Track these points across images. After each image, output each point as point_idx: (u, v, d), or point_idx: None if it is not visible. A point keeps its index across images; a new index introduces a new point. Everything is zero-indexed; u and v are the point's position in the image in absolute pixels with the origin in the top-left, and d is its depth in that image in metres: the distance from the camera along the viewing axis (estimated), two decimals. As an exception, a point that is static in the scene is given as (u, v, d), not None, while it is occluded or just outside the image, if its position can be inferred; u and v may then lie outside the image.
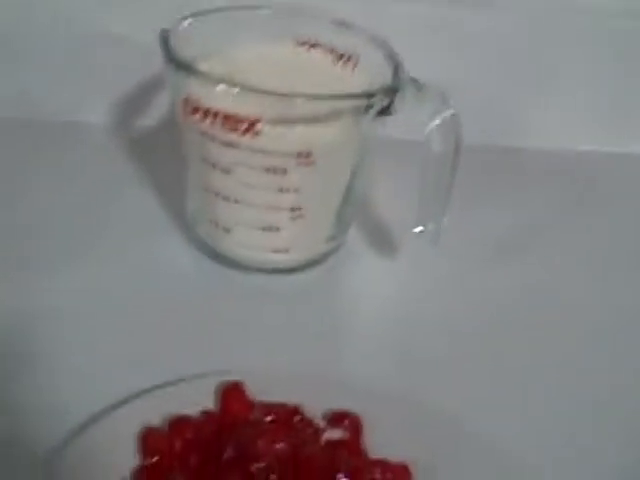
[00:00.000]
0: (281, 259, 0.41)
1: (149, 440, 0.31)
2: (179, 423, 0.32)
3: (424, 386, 0.36)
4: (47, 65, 0.51)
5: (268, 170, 0.38)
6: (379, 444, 0.32)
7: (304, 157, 0.37)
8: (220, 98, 0.37)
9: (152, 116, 0.52)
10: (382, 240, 0.45)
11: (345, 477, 0.30)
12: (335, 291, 0.43)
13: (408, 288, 0.43)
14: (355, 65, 0.42)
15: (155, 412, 0.33)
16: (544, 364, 0.39)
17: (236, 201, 0.39)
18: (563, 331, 0.41)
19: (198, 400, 0.33)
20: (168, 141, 0.42)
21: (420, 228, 0.40)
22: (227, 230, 0.41)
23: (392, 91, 0.38)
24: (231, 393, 0.33)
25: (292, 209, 0.39)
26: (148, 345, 0.37)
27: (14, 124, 0.50)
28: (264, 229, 0.40)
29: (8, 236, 0.43)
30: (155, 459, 0.31)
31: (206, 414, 0.33)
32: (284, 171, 0.38)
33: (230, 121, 0.37)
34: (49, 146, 0.50)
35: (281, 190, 0.39)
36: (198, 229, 0.43)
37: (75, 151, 0.50)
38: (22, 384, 0.35)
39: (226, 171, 0.38)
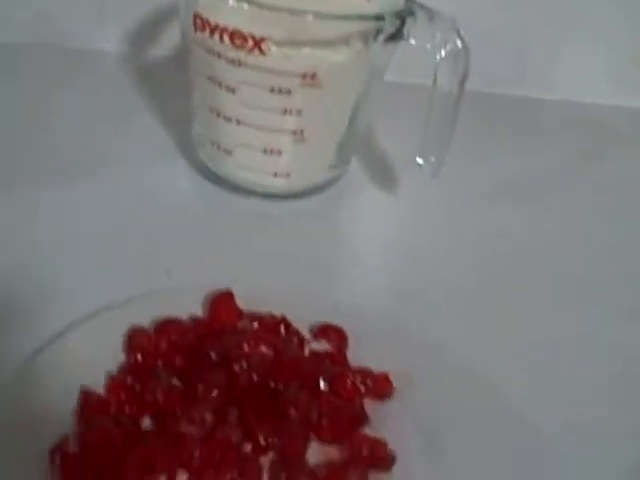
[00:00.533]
0: (281, 184, 0.41)
1: (134, 339, 0.32)
2: (165, 325, 0.32)
3: (411, 309, 0.36)
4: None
5: (272, 90, 0.38)
6: (362, 358, 0.32)
7: (309, 78, 0.37)
8: (229, 14, 0.37)
9: (164, 46, 0.53)
10: (384, 174, 0.45)
11: (327, 382, 0.31)
12: (333, 219, 0.43)
13: (405, 221, 0.43)
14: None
15: (145, 316, 0.33)
16: (533, 301, 0.39)
17: (238, 122, 0.39)
18: (555, 271, 0.41)
19: (188, 308, 0.34)
20: (179, 71, 0.43)
21: (421, 160, 0.40)
22: (228, 152, 0.41)
23: (402, 15, 0.37)
24: (221, 300, 0.33)
25: (294, 132, 0.39)
26: (145, 258, 0.38)
27: (33, 50, 0.51)
28: (265, 152, 0.40)
29: (21, 153, 0.43)
30: (139, 357, 0.31)
31: (194, 320, 0.33)
32: (288, 92, 0.38)
33: (237, 38, 0.37)
34: (65, 71, 0.51)
35: (284, 112, 0.38)
36: (201, 152, 0.43)
37: (89, 77, 0.51)
38: (21, 284, 0.35)
39: (231, 90, 0.38)
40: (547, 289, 0.40)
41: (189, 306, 0.34)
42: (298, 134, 0.39)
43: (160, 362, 0.31)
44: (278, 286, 0.35)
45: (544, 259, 0.42)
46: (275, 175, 0.41)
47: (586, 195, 0.47)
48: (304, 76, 0.37)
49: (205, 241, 0.40)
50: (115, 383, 0.30)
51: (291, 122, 0.39)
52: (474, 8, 0.48)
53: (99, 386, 0.30)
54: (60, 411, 0.29)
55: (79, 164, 0.43)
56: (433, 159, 0.40)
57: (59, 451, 0.27)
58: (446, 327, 0.35)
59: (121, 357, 0.32)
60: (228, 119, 0.40)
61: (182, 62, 0.42)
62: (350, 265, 0.41)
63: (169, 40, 0.51)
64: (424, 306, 0.37)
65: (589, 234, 0.44)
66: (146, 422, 0.30)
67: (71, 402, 0.29)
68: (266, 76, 0.37)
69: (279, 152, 0.40)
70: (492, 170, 0.47)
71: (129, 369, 0.31)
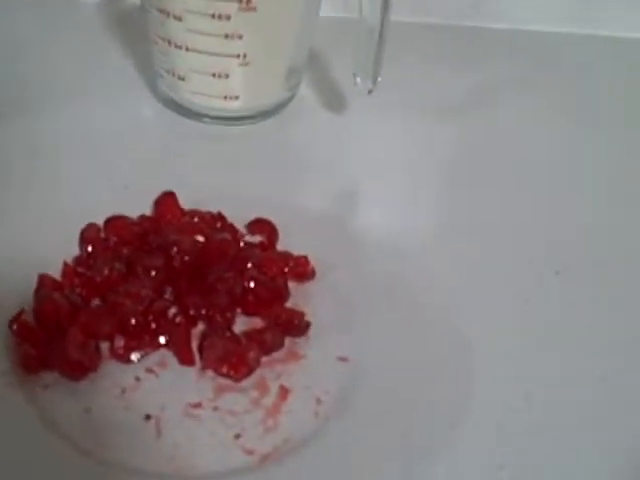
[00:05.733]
0: (232, 106, 0.45)
1: (86, 233, 0.36)
2: (114, 220, 0.36)
3: (347, 209, 0.41)
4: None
5: (214, 16, 0.41)
6: (290, 248, 0.36)
7: (245, 3, 0.41)
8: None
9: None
10: (332, 97, 0.48)
11: (254, 265, 0.35)
12: (283, 139, 0.46)
13: (351, 139, 0.46)
14: None
15: (100, 216, 0.37)
16: (476, 212, 0.42)
17: (187, 48, 0.43)
18: (496, 184, 0.44)
19: (139, 210, 0.38)
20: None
21: (357, 79, 0.43)
22: (182, 78, 0.45)
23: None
24: (164, 199, 0.37)
25: (239, 56, 0.43)
26: (110, 177, 0.42)
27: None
28: (214, 76, 0.44)
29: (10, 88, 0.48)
30: (90, 248, 0.35)
31: (141, 217, 0.37)
32: (228, 17, 0.41)
33: (178, -33, 0.41)
34: (46, 20, 0.55)
35: (227, 36, 0.42)
36: (160, 82, 0.47)
37: (67, 24, 0.55)
38: None
39: (178, 18, 0.42)
40: (488, 201, 0.42)
41: (139, 209, 0.38)
42: (242, 57, 0.43)
43: (109, 253, 0.35)
44: (220, 187, 0.39)
45: (481, 167, 0.45)
46: (225, 98, 0.45)
47: (532, 108, 0.50)
48: (240, 1, 0.41)
49: (162, 161, 0.44)
50: (68, 269, 0.34)
51: (234, 46, 0.43)
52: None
53: (57, 274, 0.35)
54: (22, 293, 0.34)
55: (57, 95, 0.48)
56: (367, 75, 0.43)
57: (16, 321, 0.32)
58: (375, 223, 0.39)
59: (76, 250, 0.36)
60: (179, 47, 0.43)
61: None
62: (297, 175, 0.44)
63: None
64: (360, 207, 0.42)
65: (529, 144, 0.47)
66: (95, 303, 0.34)
67: (32, 286, 0.34)
68: (207, 3, 0.41)
69: (227, 76, 0.44)
70: (436, 89, 0.50)
71: (81, 259, 0.35)
